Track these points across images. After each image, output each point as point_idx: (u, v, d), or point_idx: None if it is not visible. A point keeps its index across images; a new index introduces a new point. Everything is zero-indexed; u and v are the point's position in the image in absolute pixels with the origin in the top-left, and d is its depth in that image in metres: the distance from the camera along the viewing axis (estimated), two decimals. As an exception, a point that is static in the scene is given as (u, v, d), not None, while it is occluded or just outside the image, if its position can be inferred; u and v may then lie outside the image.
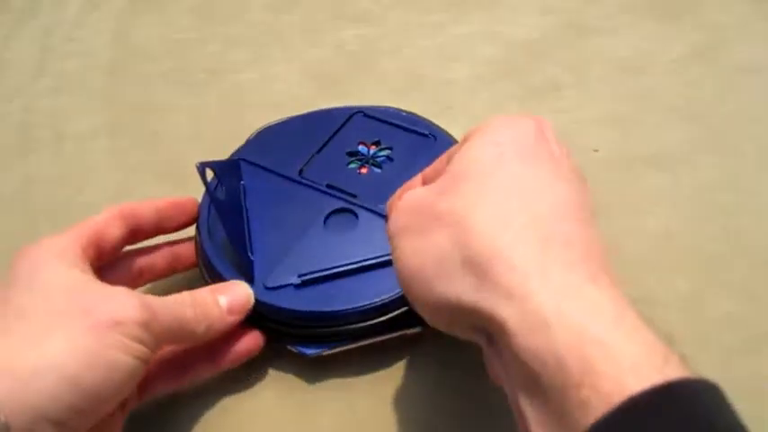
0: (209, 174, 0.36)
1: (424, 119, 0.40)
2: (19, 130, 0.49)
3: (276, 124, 0.41)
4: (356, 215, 0.35)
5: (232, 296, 0.31)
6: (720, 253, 0.37)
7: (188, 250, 0.36)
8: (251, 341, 0.33)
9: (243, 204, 0.36)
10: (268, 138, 0.40)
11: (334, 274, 0.33)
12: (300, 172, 0.37)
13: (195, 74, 0.52)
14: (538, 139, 0.25)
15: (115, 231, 0.32)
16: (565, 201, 0.23)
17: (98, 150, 0.47)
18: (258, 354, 0.33)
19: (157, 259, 0.35)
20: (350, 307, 0.32)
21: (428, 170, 0.29)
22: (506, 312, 0.21)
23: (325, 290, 0.32)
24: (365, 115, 0.40)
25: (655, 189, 0.41)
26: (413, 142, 0.38)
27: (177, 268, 0.36)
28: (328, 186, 0.36)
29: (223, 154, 0.39)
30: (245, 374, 0.34)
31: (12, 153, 0.48)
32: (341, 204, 0.36)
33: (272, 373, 0.34)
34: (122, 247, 0.33)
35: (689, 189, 0.41)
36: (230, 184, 0.37)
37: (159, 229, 0.35)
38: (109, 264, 0.33)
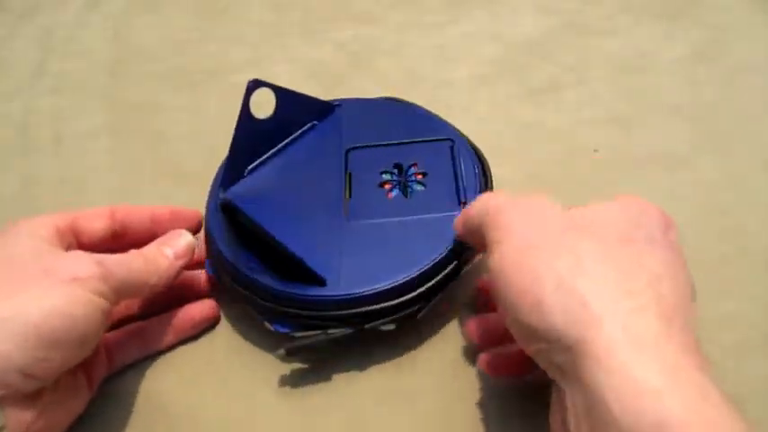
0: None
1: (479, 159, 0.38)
2: (19, 130, 0.49)
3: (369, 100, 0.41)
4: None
5: (176, 246, 0.34)
6: (720, 253, 0.37)
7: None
8: (206, 309, 0.36)
9: (285, 138, 0.38)
10: (356, 107, 0.41)
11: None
12: (347, 153, 0.38)
13: (195, 74, 0.52)
14: (667, 233, 0.27)
15: (97, 223, 0.33)
16: (683, 288, 0.25)
17: (98, 150, 0.47)
18: (216, 323, 0.36)
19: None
20: (320, 294, 0.32)
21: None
22: (612, 368, 0.21)
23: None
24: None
25: (655, 189, 0.41)
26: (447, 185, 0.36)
27: None
28: (348, 176, 0.37)
29: (223, 154, 0.39)
30: (243, 371, 0.34)
31: (12, 153, 0.48)
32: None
33: (269, 369, 0.34)
34: (105, 240, 0.34)
35: (689, 189, 0.41)
36: (286, 114, 0.37)
37: (153, 235, 0.35)
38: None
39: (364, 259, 0.33)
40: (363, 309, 0.31)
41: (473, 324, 0.32)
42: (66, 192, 0.45)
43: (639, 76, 0.48)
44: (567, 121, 0.45)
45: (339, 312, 0.32)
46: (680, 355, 0.22)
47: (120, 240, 0.34)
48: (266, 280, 0.32)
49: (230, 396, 0.33)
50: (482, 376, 0.33)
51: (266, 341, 0.35)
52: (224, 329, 0.36)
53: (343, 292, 0.31)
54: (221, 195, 0.35)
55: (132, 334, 0.35)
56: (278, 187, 0.36)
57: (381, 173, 0.37)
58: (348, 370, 0.34)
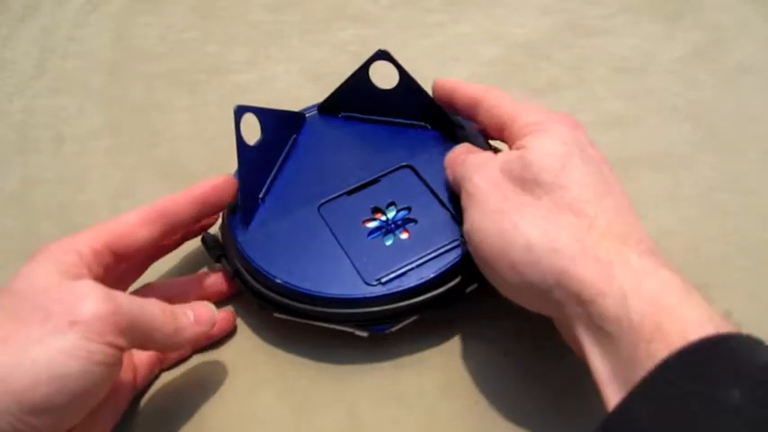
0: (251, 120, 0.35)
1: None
2: (19, 130, 0.49)
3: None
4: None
5: (197, 311, 0.31)
6: (720, 253, 0.37)
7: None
8: (223, 321, 0.35)
9: (280, 155, 0.38)
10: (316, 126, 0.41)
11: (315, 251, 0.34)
12: (319, 208, 0.36)
13: (195, 74, 0.52)
14: (586, 138, 0.30)
15: (143, 234, 0.31)
16: (623, 199, 0.28)
17: (98, 150, 0.47)
18: (234, 332, 0.36)
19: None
20: (297, 286, 0.32)
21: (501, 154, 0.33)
22: (591, 293, 0.24)
23: (295, 263, 0.33)
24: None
25: (655, 189, 0.41)
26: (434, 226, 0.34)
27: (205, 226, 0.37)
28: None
29: (223, 154, 0.39)
30: (244, 371, 0.34)
31: (12, 153, 0.48)
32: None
33: (269, 369, 0.34)
34: (156, 243, 0.32)
35: (689, 189, 0.41)
36: (273, 133, 0.37)
37: (199, 220, 0.34)
38: None
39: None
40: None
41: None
42: (67, 192, 0.44)
43: (639, 76, 0.48)
44: (566, 121, 0.45)
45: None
46: (644, 260, 0.25)
47: (171, 234, 0.33)
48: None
49: (231, 396, 0.33)
50: (482, 377, 0.33)
51: (266, 341, 0.35)
52: (224, 329, 0.36)
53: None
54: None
55: (149, 357, 0.33)
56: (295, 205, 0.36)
57: (363, 222, 0.35)
58: (348, 370, 0.34)
